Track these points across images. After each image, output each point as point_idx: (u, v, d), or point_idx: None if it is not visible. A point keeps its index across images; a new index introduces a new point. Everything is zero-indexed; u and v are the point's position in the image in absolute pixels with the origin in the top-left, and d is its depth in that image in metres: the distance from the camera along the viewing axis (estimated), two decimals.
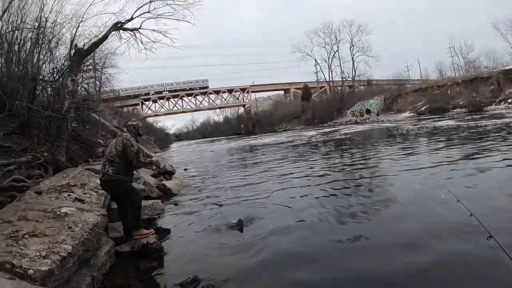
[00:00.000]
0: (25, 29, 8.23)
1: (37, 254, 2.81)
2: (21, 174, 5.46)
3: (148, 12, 10.85)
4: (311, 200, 5.89)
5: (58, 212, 3.89)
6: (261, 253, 3.95)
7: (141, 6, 10.75)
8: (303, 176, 8.33)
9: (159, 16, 10.95)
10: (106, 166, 4.54)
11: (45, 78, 9.03)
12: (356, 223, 4.49)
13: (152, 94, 73.80)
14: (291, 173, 8.97)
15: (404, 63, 75.70)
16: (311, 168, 9.61)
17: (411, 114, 40.58)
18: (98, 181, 5.44)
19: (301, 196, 6.27)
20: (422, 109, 39.94)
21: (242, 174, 10.45)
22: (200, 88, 76.42)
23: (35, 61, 8.44)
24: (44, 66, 9.15)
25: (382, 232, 4.02)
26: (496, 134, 12.05)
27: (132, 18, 10.58)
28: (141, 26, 10.76)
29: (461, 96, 37.03)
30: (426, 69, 65.59)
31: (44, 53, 8.94)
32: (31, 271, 2.59)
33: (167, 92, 75.08)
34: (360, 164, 9.35)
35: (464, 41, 54.14)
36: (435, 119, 26.81)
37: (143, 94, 72.91)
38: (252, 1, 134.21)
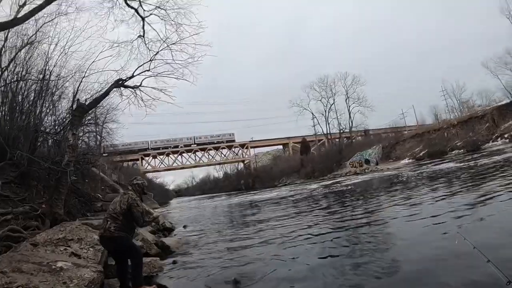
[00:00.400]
0: (29, 80, 8.43)
1: None
2: (18, 224, 5.32)
3: (149, 70, 11.20)
4: (312, 260, 5.51)
5: (53, 266, 3.74)
6: None
7: (142, 65, 11.14)
8: (304, 233, 7.92)
9: (159, 75, 11.23)
10: (108, 222, 4.45)
11: (47, 130, 9.11)
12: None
13: (181, 147, 74.69)
14: (292, 230, 8.54)
15: (399, 110, 77.42)
16: (312, 223, 9.23)
17: (410, 160, 40.54)
18: (95, 237, 5.33)
19: (302, 254, 5.98)
20: (421, 154, 39.98)
21: (241, 231, 10.14)
22: (227, 141, 77.56)
23: (37, 112, 8.58)
24: (46, 118, 9.31)
25: None
26: (499, 171, 11.99)
27: (133, 76, 10.90)
28: (141, 83, 11.06)
29: (458, 137, 37.29)
30: (422, 114, 66.86)
31: (46, 105, 9.13)
32: None
33: (195, 145, 75.84)
34: (363, 217, 8.97)
35: (456, 83, 55.06)
36: (435, 163, 26.71)
37: (172, 146, 74.15)
38: (251, 60, 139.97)
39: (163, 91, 11.20)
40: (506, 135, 31.41)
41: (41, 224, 6.04)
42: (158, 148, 73.38)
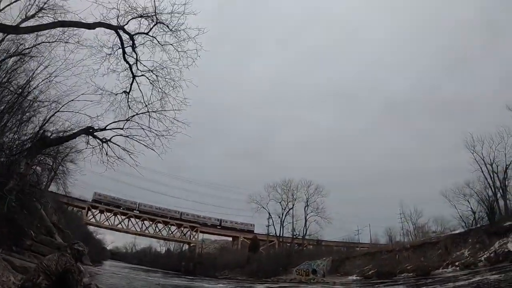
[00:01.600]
0: (7, 90, 8.03)
1: None
2: None
3: (122, 129, 11.12)
4: None
5: None
6: None
7: (117, 121, 11.02)
8: None
9: (130, 136, 11.13)
10: (40, 278, 4.10)
11: (4, 147, 8.46)
12: None
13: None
14: None
15: (355, 226, 78.82)
16: None
17: (358, 277, 39.80)
18: (12, 279, 4.81)
19: None
20: (370, 272, 39.43)
21: None
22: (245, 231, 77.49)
23: (1, 125, 8.03)
24: (7, 134, 8.68)
25: None
26: None
27: (105, 129, 10.75)
28: (111, 139, 10.87)
29: (409, 261, 37.22)
30: (376, 234, 67.60)
31: (13, 121, 8.60)
32: None
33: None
34: None
35: (414, 208, 56.85)
36: (385, 283, 26.42)
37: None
38: (219, 146, 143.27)
39: (129, 153, 11.00)
40: (457, 263, 31.62)
41: None
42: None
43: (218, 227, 76.87)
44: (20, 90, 8.45)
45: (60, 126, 11.16)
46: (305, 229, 61.01)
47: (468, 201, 42.36)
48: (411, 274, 33.59)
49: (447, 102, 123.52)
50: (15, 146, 9.05)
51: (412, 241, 46.91)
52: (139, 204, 72.52)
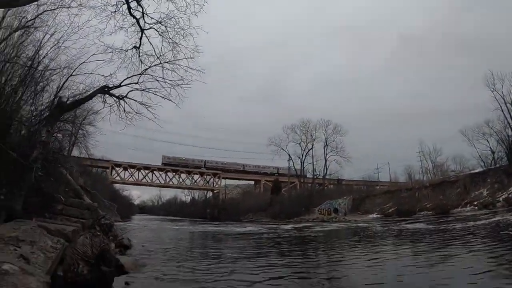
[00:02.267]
0: (16, 64, 8.04)
1: None
2: None
3: (137, 83, 11.11)
4: None
5: None
6: None
7: (131, 76, 10.99)
8: (266, 272, 7.77)
9: (145, 90, 11.15)
10: (80, 266, 4.34)
11: (22, 119, 8.62)
12: None
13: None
14: (253, 271, 8.07)
15: (374, 165, 79.26)
16: (275, 266, 8.81)
17: (378, 215, 40.79)
18: (49, 242, 5.03)
19: None
20: (390, 211, 40.31)
21: (202, 263, 9.78)
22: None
23: (17, 99, 8.12)
24: (24, 107, 8.81)
25: None
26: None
27: (120, 85, 10.73)
28: (127, 95, 10.90)
29: (429, 199, 37.82)
30: (396, 172, 68.12)
31: (28, 94, 8.67)
32: None
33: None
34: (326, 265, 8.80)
35: (433, 146, 56.83)
36: (404, 221, 26.91)
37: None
38: (234, 92, 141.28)
39: (147, 107, 11.04)
40: (475, 203, 32.02)
41: None
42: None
43: (240, 172, 78.28)
44: (30, 62, 8.42)
45: (75, 90, 11.23)
46: (325, 169, 62.15)
47: (488, 141, 42.30)
48: (430, 212, 34.08)
49: (467, 38, 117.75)
50: (33, 117, 9.18)
51: (431, 179, 47.10)
52: (205, 161, 76.36)
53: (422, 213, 35.19)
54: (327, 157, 61.92)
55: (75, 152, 23.23)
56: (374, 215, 41.52)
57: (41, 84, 9.34)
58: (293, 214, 51.81)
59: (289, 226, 32.47)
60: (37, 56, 8.71)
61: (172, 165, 73.54)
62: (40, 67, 8.98)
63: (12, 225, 5.05)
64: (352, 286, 5.77)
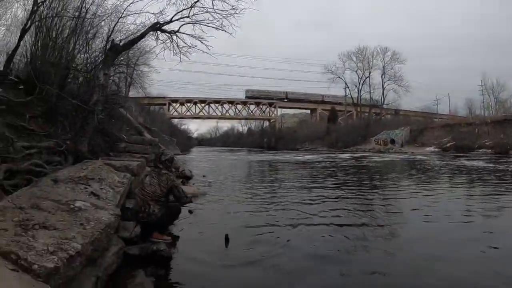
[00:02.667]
0: (64, 17, 8.33)
1: (45, 248, 2.68)
2: (41, 159, 5.40)
3: (188, 17, 10.89)
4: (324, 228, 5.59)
5: (72, 206, 3.77)
6: (267, 270, 3.87)
7: (181, 11, 10.85)
8: (324, 201, 7.98)
9: (197, 22, 10.93)
10: (151, 206, 4.57)
11: (78, 68, 9.12)
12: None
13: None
14: (313, 199, 8.37)
15: (433, 96, 74.51)
16: (329, 199, 8.63)
17: (436, 149, 39.47)
18: (116, 178, 5.43)
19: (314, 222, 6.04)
20: (448, 145, 38.80)
21: (258, 190, 10.27)
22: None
23: (70, 49, 8.53)
24: (78, 56, 9.25)
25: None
26: None
27: (171, 21, 10.64)
28: (179, 29, 10.86)
29: (488, 136, 35.91)
30: (456, 105, 64.27)
31: (80, 42, 9.04)
32: (36, 266, 2.45)
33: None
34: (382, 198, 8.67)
35: (497, 80, 52.77)
36: (463, 158, 25.77)
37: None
38: (288, 20, 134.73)
39: (200, 39, 11.01)
40: None
41: (63, 160, 6.15)
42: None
43: (294, 100, 78.19)
44: (77, 12, 8.63)
45: (126, 32, 11.42)
46: (382, 98, 60.16)
47: None
48: (490, 150, 32.21)
49: None
50: (88, 64, 9.63)
51: (492, 116, 43.98)
52: (286, 93, 77.11)
53: (480, 150, 33.48)
54: (384, 86, 59.65)
55: (132, 93, 24.28)
56: (431, 149, 40.12)
57: (91, 31, 9.64)
58: (350, 143, 51.97)
59: (346, 155, 32.45)
60: (83, 5, 8.89)
61: (255, 98, 74.12)
62: (88, 16, 9.20)
63: (81, 166, 5.53)
64: (406, 228, 5.69)
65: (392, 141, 47.58)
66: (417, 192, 9.34)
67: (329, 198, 8.62)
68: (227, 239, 4.73)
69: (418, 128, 48.93)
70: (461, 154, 30.13)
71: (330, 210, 6.96)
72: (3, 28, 9.76)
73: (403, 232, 5.34)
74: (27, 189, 3.95)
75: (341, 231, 5.31)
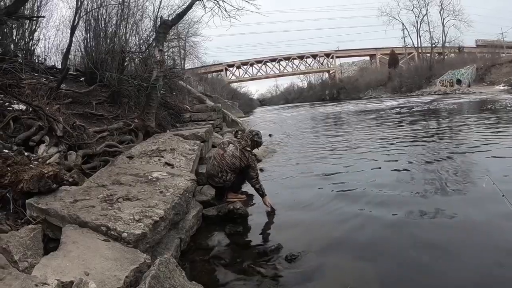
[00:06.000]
0: (109, 6, 8.58)
1: (131, 217, 2.89)
2: (113, 140, 5.77)
3: None
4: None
5: (149, 177, 4.00)
6: (342, 225, 3.86)
7: None
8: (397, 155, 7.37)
9: None
10: (229, 175, 4.75)
11: (132, 50, 9.43)
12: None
13: None
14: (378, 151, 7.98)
15: (498, 29, 65.00)
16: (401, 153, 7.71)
17: (506, 87, 35.27)
18: (187, 146, 5.64)
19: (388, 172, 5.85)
20: None
21: (328, 142, 10.20)
22: None
23: (121, 34, 8.79)
24: (130, 39, 9.50)
25: None
26: None
27: None
28: None
29: None
30: None
31: (129, 26, 9.25)
32: (125, 234, 2.67)
33: None
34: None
35: None
36: None
37: None
38: None
39: (247, 0, 10.74)
40: None
41: (134, 137, 6.51)
42: None
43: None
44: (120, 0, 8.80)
45: (172, 7, 11.52)
46: (443, 36, 54.26)
47: None
48: None
49: None
50: (141, 44, 9.92)
51: None
52: None
53: None
54: (444, 23, 53.36)
55: (188, 64, 24.65)
56: (501, 87, 36.03)
57: (138, 13, 9.83)
58: (414, 87, 49.38)
59: (415, 100, 30.24)
60: None
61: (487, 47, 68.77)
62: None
63: (152, 140, 5.83)
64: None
65: (459, 81, 43.53)
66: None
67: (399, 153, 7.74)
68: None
69: (485, 66, 44.27)
70: None
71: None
72: (54, 29, 10.37)
73: None
74: (105, 168, 4.25)
75: None
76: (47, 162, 3.84)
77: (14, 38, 7.68)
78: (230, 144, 4.91)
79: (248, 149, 4.85)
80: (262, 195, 4.70)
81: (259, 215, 4.45)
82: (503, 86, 36.67)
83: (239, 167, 4.75)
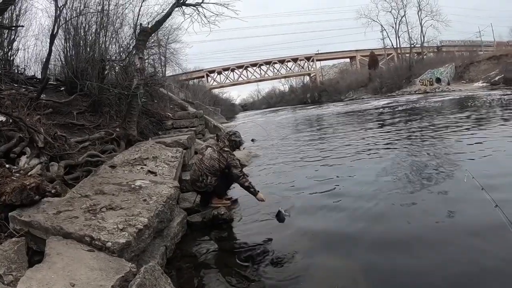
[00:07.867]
0: (88, 14, 8.53)
1: (115, 227, 2.89)
2: (95, 149, 5.73)
3: None
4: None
5: (132, 185, 3.99)
6: (327, 226, 3.94)
7: None
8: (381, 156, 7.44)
9: None
10: (209, 178, 4.73)
11: (113, 58, 9.39)
12: None
13: None
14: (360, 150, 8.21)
15: (475, 28, 67.44)
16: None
17: (484, 84, 36.31)
18: (170, 153, 5.64)
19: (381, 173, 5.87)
20: (496, 79, 35.32)
21: (312, 146, 10.27)
22: None
23: (101, 43, 8.74)
24: (110, 47, 9.46)
25: None
26: None
27: None
28: (203, 0, 10.72)
29: None
30: (500, 35, 57.92)
31: (109, 34, 9.21)
32: (109, 244, 2.67)
33: None
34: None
35: None
36: None
37: None
38: None
39: (226, 6, 10.81)
40: None
41: (116, 146, 6.46)
42: None
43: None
44: (100, 6, 8.76)
45: (151, 14, 11.52)
46: (422, 36, 55.69)
47: None
48: None
49: None
50: (122, 52, 9.87)
51: None
52: None
53: None
54: (422, 23, 54.84)
55: (169, 71, 24.58)
56: (480, 84, 37.08)
57: (118, 21, 9.80)
58: (394, 87, 50.21)
59: (393, 100, 30.76)
60: None
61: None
62: (111, 7, 9.32)
63: (134, 148, 5.80)
64: None
65: (438, 80, 44.54)
66: None
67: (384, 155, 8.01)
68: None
69: (463, 64, 45.12)
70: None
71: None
72: (33, 39, 10.24)
73: None
74: (88, 178, 4.22)
75: None
76: (29, 173, 3.80)
77: None
78: (208, 148, 4.96)
79: (227, 149, 4.87)
80: (254, 193, 4.72)
81: (244, 220, 4.48)
82: (481, 83, 37.56)
83: (219, 169, 4.75)
